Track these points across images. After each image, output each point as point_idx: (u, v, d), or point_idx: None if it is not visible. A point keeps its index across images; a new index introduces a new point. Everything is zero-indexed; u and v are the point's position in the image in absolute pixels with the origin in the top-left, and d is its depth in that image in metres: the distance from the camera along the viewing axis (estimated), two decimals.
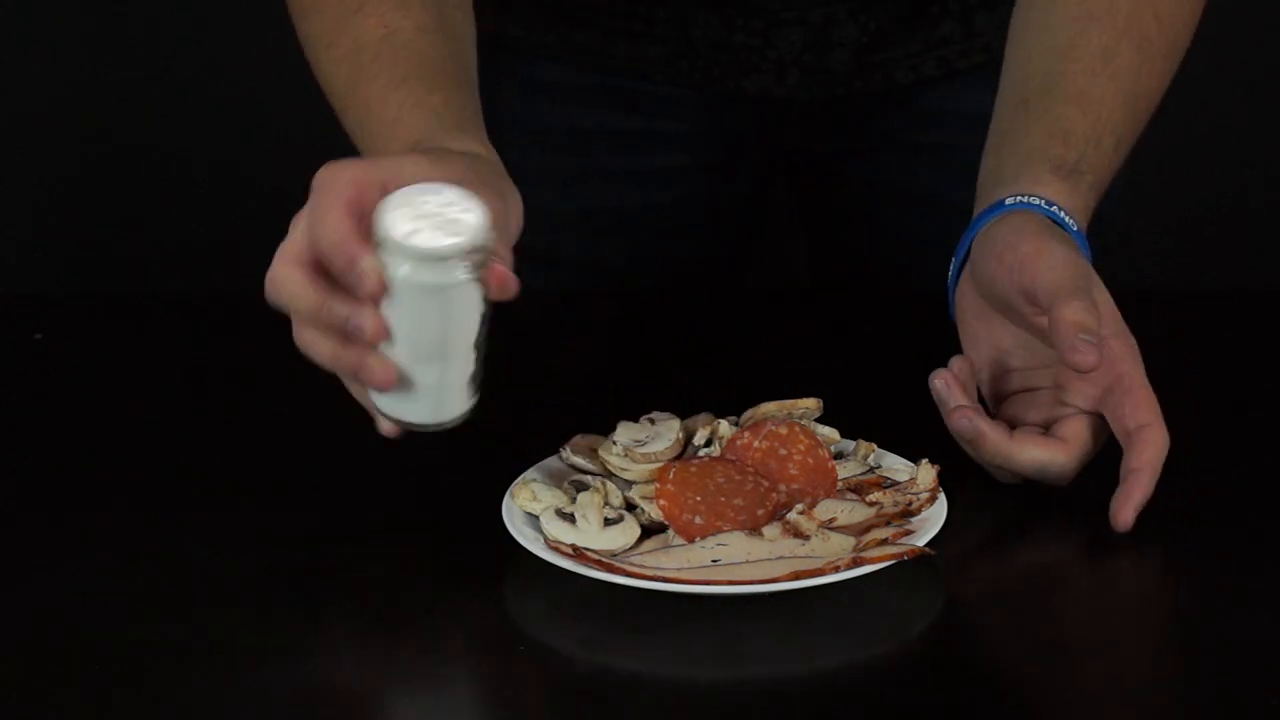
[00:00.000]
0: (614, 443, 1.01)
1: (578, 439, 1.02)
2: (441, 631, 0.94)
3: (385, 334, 0.92)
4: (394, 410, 0.95)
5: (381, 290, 0.91)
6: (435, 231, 0.90)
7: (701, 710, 0.88)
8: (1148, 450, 0.99)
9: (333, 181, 0.93)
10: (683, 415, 1.03)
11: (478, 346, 0.94)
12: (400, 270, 0.90)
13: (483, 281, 0.92)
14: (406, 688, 0.89)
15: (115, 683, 0.88)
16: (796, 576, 0.92)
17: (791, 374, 1.04)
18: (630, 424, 1.02)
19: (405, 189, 0.92)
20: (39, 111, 2.29)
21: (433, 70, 1.08)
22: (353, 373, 0.94)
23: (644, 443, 1.01)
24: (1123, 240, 1.41)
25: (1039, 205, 1.07)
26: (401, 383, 0.93)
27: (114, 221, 2.33)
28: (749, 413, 1.04)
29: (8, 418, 1.18)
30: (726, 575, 0.92)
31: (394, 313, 0.92)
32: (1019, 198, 1.07)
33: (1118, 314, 1.03)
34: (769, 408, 1.04)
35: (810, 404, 1.05)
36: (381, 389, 0.93)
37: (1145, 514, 1.02)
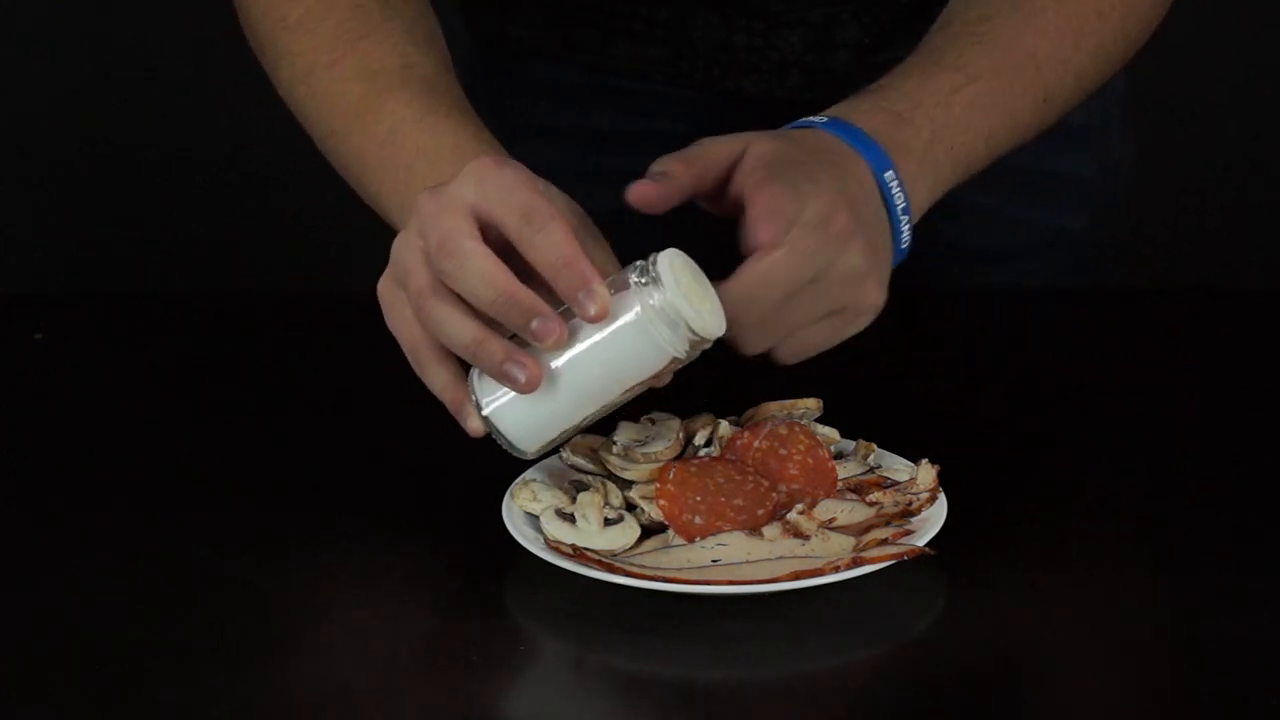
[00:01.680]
0: (614, 443, 1.01)
1: (578, 439, 1.02)
2: (441, 631, 0.94)
3: (561, 345, 0.92)
4: (499, 414, 0.94)
5: (603, 319, 0.91)
6: (696, 307, 0.92)
7: (701, 710, 0.88)
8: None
9: (543, 193, 0.94)
10: (683, 415, 1.03)
11: (607, 409, 0.95)
12: (636, 316, 0.92)
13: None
14: (407, 687, 0.89)
15: (115, 683, 0.88)
16: (796, 576, 0.92)
17: (791, 374, 1.04)
18: (630, 424, 1.02)
19: (672, 250, 0.94)
20: (39, 111, 2.29)
21: (465, 107, 1.08)
22: (497, 362, 0.92)
23: (644, 443, 1.01)
24: (1124, 240, 1.41)
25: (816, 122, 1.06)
26: (531, 396, 0.93)
27: (114, 221, 2.33)
28: (749, 413, 1.04)
29: (8, 418, 1.18)
30: (726, 575, 0.92)
31: (579, 340, 0.92)
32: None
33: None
34: (769, 408, 1.04)
35: (810, 404, 1.05)
36: (525, 389, 0.92)
37: (1145, 514, 1.02)
